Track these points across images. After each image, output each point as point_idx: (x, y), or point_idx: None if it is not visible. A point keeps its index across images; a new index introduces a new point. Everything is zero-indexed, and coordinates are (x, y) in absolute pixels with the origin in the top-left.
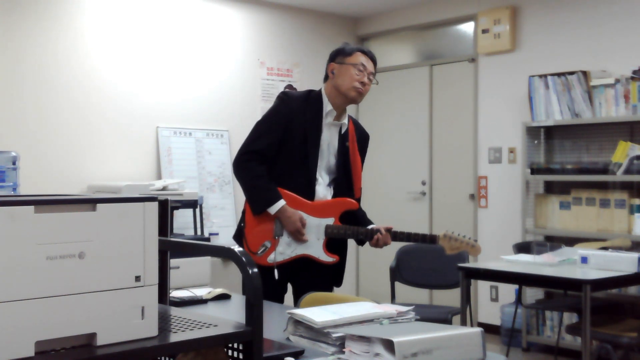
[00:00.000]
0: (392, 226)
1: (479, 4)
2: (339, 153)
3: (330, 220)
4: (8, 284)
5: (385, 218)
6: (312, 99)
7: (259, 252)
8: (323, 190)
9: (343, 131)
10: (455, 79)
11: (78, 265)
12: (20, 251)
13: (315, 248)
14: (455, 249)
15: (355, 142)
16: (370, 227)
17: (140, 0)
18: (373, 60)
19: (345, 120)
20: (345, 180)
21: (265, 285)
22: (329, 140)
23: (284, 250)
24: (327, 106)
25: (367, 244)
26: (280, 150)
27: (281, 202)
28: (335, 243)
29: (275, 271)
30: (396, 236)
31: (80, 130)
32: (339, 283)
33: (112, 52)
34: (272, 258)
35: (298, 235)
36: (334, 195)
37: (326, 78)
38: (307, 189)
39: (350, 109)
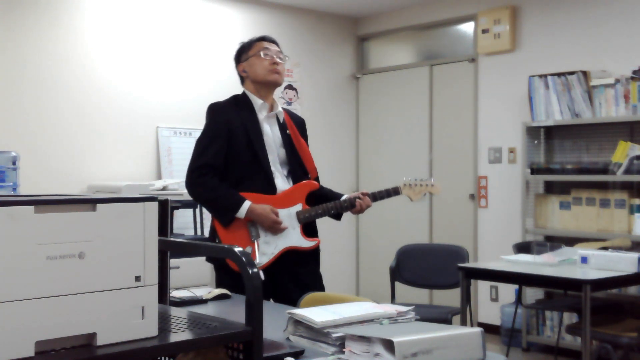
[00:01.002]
0: (366, 191)
1: (479, 4)
2: (284, 142)
3: (299, 207)
4: (8, 284)
5: (385, 218)
6: (240, 101)
7: None
8: (282, 182)
9: (281, 121)
10: (455, 79)
11: (78, 265)
12: (20, 251)
13: (294, 238)
14: (419, 193)
15: (295, 127)
16: (343, 198)
17: (140, 0)
18: (273, 41)
19: (280, 109)
20: (299, 167)
21: None
22: (271, 133)
23: (266, 250)
24: (257, 101)
25: (345, 215)
26: (229, 157)
27: (247, 203)
28: (308, 229)
29: (261, 273)
30: (369, 197)
31: (80, 130)
32: (317, 266)
33: (112, 52)
34: (257, 262)
35: (276, 226)
36: (294, 184)
37: (242, 81)
38: (268, 186)
39: (350, 109)
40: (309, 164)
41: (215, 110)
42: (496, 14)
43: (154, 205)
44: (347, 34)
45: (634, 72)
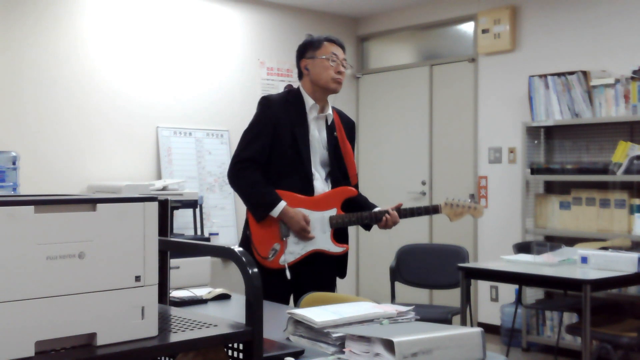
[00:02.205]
0: (401, 203)
1: (479, 4)
2: (329, 145)
3: (333, 212)
4: (8, 284)
5: None
6: (293, 97)
7: (269, 257)
8: (321, 184)
9: (329, 122)
10: (455, 79)
11: (78, 265)
12: (20, 251)
13: (323, 241)
14: (459, 215)
15: (343, 130)
16: (375, 209)
17: (140, 0)
18: (342, 46)
19: (330, 111)
20: (340, 171)
21: (277, 287)
22: (317, 135)
23: (294, 249)
24: (309, 101)
25: (375, 227)
26: (272, 153)
27: (282, 204)
28: (339, 234)
29: (287, 272)
30: (401, 214)
31: (80, 130)
32: (343, 274)
33: (112, 52)
34: (283, 260)
35: (303, 234)
36: (332, 187)
37: (300, 75)
38: (306, 186)
39: (350, 109)
40: (351, 170)
41: (266, 105)
42: (496, 14)
43: (154, 205)
44: (347, 34)
45: (634, 72)
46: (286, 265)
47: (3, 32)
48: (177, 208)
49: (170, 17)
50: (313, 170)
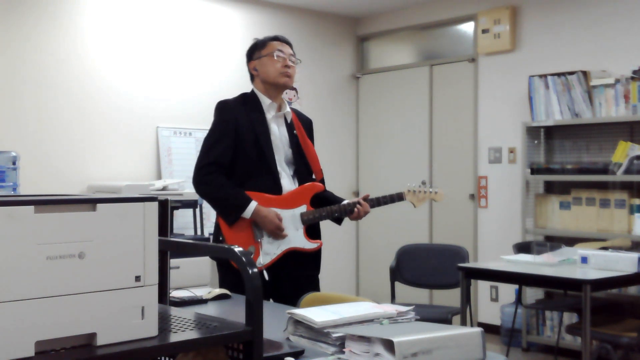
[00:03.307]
0: (368, 194)
1: (479, 4)
2: (291, 143)
3: (303, 208)
4: (8, 284)
5: (385, 218)
6: (249, 99)
7: None
8: (288, 182)
9: (289, 121)
10: (455, 79)
11: (78, 265)
12: (20, 251)
13: (297, 239)
14: (422, 200)
15: (302, 128)
16: (344, 202)
17: (140, 0)
18: (288, 43)
19: (288, 109)
20: (305, 167)
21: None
22: (278, 133)
23: (269, 250)
24: (266, 101)
25: (346, 219)
26: (236, 155)
27: (253, 204)
28: (312, 230)
29: (265, 273)
30: (369, 204)
31: (80, 130)
32: (318, 270)
33: (112, 52)
34: (260, 262)
35: (277, 232)
36: (300, 184)
37: (252, 78)
38: (274, 185)
39: (350, 109)
40: (315, 165)
41: (223, 108)
42: (496, 14)
43: (154, 205)
44: (347, 34)
45: (634, 72)
46: (264, 267)
47: (3, 32)
48: (177, 208)
49: (170, 17)
50: (279, 168)
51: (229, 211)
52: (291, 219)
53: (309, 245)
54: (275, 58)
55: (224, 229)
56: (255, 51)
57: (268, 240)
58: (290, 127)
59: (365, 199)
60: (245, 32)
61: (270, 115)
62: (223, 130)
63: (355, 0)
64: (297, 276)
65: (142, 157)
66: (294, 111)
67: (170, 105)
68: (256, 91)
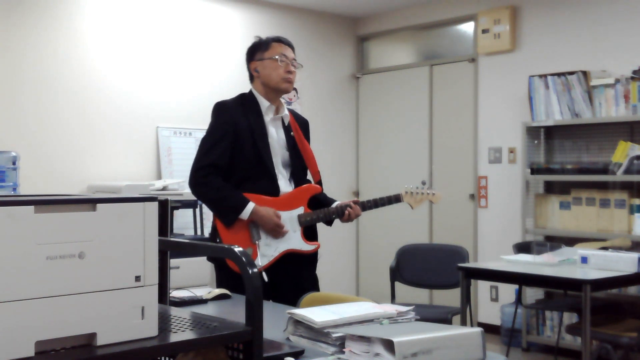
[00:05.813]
0: (357, 199)
1: (479, 4)
2: (288, 145)
3: (300, 210)
4: (8, 284)
5: (385, 218)
6: (247, 101)
7: None
8: (285, 185)
9: (286, 123)
10: (455, 79)
11: (78, 265)
12: (20, 251)
13: (294, 241)
14: (419, 201)
15: (299, 130)
16: (335, 204)
17: (140, 0)
18: (290, 46)
19: (286, 112)
20: (302, 169)
21: None
22: (276, 136)
23: (266, 252)
24: (264, 103)
25: (337, 221)
26: (234, 157)
27: (251, 205)
28: (309, 232)
29: (264, 274)
30: (364, 206)
31: (80, 130)
32: (314, 271)
33: (112, 52)
34: (257, 263)
35: (278, 230)
36: (296, 186)
37: (252, 78)
38: (271, 188)
39: (350, 109)
40: (312, 167)
41: (221, 109)
42: (496, 14)
43: (154, 205)
44: (347, 34)
45: (634, 72)
46: (262, 269)
47: (3, 32)
48: (177, 208)
49: (170, 17)
50: (276, 171)
51: (227, 212)
52: (289, 221)
53: (306, 247)
54: (279, 63)
55: (221, 230)
56: (257, 51)
57: (266, 242)
58: (287, 129)
59: (356, 202)
60: (245, 32)
61: (268, 117)
62: (221, 132)
63: (355, 0)
64: (296, 276)
65: (142, 157)
66: (291, 112)
67: (170, 105)
68: (255, 92)
